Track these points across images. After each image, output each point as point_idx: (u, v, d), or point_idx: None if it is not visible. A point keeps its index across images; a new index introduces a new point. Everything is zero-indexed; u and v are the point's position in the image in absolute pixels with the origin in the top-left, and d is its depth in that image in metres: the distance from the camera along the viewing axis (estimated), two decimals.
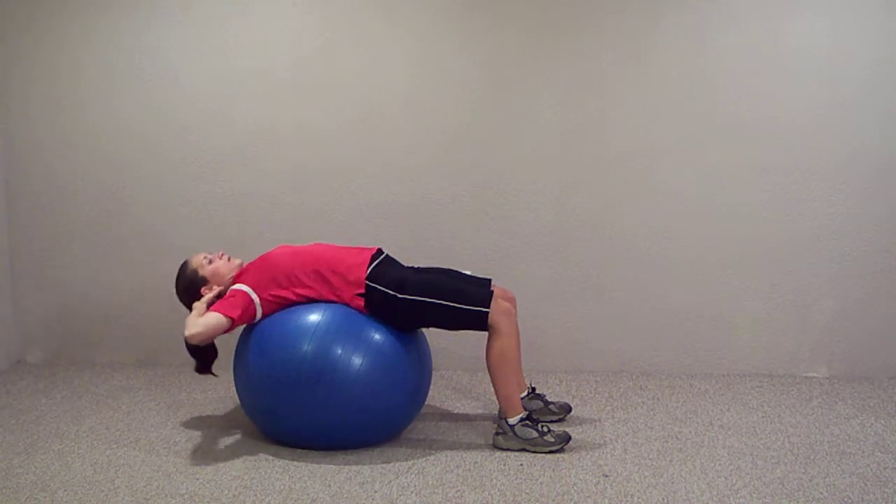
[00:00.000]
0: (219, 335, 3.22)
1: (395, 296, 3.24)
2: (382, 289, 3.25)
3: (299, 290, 3.28)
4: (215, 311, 3.21)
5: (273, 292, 3.28)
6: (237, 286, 3.30)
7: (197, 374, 3.43)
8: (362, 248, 3.41)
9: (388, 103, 4.12)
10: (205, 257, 3.43)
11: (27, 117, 4.24)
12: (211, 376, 3.44)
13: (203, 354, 3.35)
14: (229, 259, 3.46)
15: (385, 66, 4.11)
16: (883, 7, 3.89)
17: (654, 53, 4.01)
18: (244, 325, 3.31)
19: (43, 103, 4.22)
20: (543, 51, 4.04)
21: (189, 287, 3.41)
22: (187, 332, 3.16)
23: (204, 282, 3.39)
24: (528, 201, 4.14)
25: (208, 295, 3.34)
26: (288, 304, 3.29)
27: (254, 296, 3.26)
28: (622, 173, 4.09)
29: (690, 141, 4.05)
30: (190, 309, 3.35)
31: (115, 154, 4.24)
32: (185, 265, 3.45)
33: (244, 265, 3.44)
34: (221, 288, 3.36)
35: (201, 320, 3.18)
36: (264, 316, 3.29)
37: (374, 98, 4.12)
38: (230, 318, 3.19)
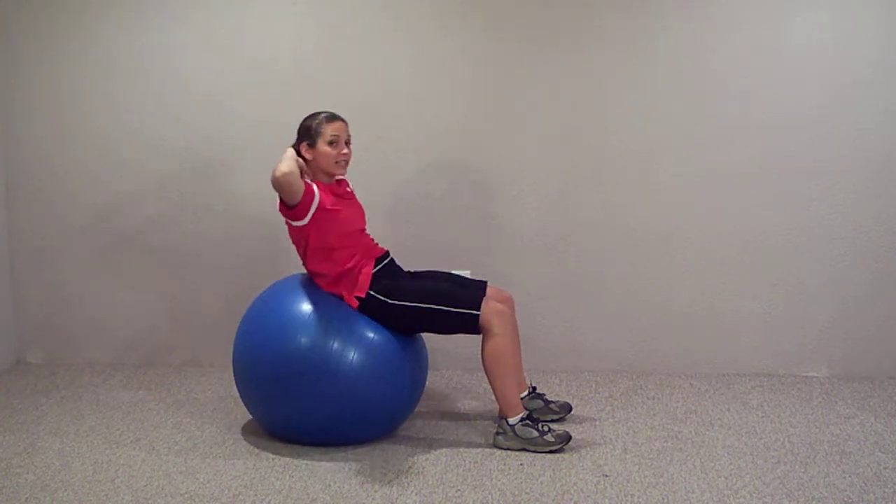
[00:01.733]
0: (287, 190, 3.13)
1: (386, 301, 3.27)
2: (374, 294, 3.28)
3: (318, 267, 3.29)
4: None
5: (313, 240, 3.25)
6: (318, 193, 3.23)
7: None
8: (375, 248, 3.44)
9: (388, 103, 4.12)
10: (333, 135, 3.30)
11: (29, 116, 4.24)
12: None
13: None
14: (339, 162, 3.33)
15: (385, 66, 4.11)
16: (884, 5, 3.89)
17: (654, 52, 4.00)
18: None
19: (45, 101, 4.22)
20: (544, 51, 4.03)
21: (303, 131, 3.33)
22: (282, 168, 3.10)
23: (311, 144, 3.30)
24: (528, 201, 4.14)
25: (299, 160, 3.24)
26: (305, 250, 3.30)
27: (307, 219, 3.21)
28: (622, 173, 4.09)
29: (690, 141, 4.04)
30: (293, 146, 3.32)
31: (117, 152, 4.23)
32: (326, 118, 3.33)
33: (339, 185, 3.41)
34: (307, 169, 3.29)
35: (297, 178, 3.13)
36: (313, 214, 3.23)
37: (374, 97, 4.12)
38: (299, 199, 3.16)
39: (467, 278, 3.52)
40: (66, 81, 4.20)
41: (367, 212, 4.12)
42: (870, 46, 3.92)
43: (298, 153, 3.31)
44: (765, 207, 4.05)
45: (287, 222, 3.30)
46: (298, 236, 3.30)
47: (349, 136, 3.38)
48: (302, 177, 3.23)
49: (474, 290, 3.35)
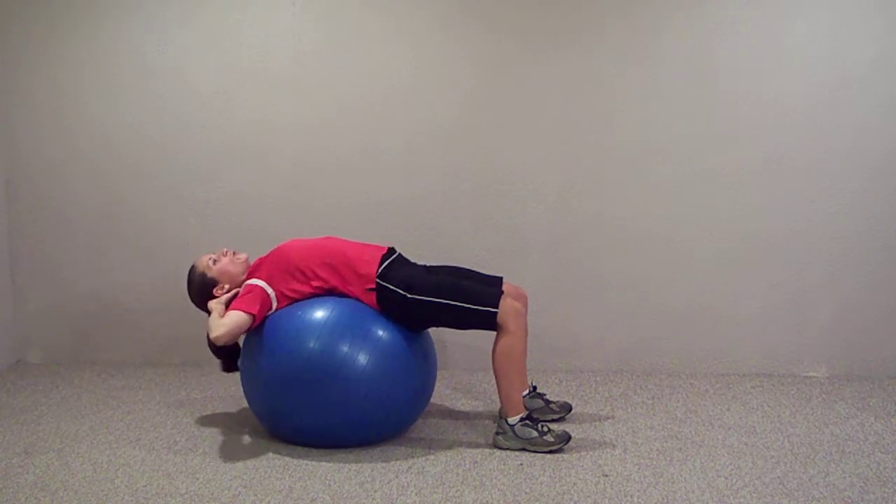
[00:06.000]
0: (243, 332, 3.25)
1: (405, 296, 3.25)
2: (393, 288, 3.27)
3: (315, 283, 3.31)
4: (235, 308, 3.23)
5: (290, 286, 3.31)
6: (252, 281, 3.32)
7: (225, 374, 3.50)
8: (375, 246, 3.43)
9: (388, 102, 4.12)
10: (209, 258, 3.45)
11: (30, 115, 4.24)
12: (238, 373, 3.44)
13: (228, 352, 3.38)
14: (234, 254, 3.48)
15: (384, 66, 4.11)
16: (882, 4, 3.89)
17: (654, 52, 4.01)
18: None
19: (46, 101, 4.22)
20: (544, 51, 4.03)
21: (201, 290, 3.44)
22: (213, 335, 3.19)
23: (214, 283, 3.42)
24: (528, 200, 4.14)
25: (224, 295, 3.37)
26: (304, 297, 3.31)
27: (269, 290, 3.29)
28: (622, 173, 4.09)
29: (690, 140, 4.05)
30: (206, 311, 3.38)
31: (118, 151, 4.24)
32: (192, 270, 3.48)
33: (250, 260, 3.47)
34: (237, 289, 3.38)
35: (224, 321, 3.21)
36: (278, 308, 3.31)
37: (374, 97, 4.12)
38: (251, 314, 3.22)
39: (484, 274, 3.51)
40: (67, 81, 4.20)
41: (366, 212, 4.16)
42: (868, 46, 3.92)
43: (213, 297, 3.42)
44: (765, 207, 4.05)
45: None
46: (289, 301, 3.32)
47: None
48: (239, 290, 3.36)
49: (493, 287, 3.35)
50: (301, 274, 3.31)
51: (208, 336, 3.23)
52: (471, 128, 4.11)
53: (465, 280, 3.37)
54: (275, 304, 3.30)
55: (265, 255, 3.44)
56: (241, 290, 3.35)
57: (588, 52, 4.02)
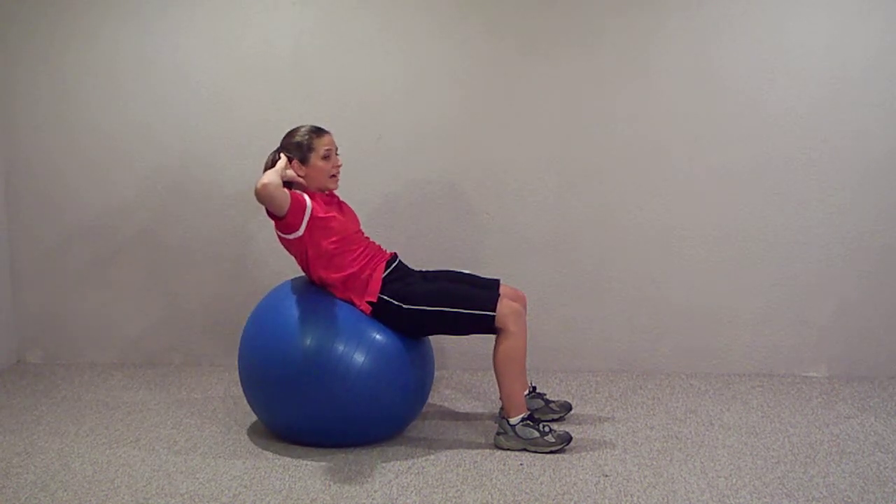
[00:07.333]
0: (270, 203, 3.11)
1: (401, 307, 3.25)
2: (388, 299, 3.27)
3: (323, 274, 3.27)
4: (290, 192, 3.15)
5: (307, 245, 3.23)
6: (308, 203, 3.20)
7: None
8: (383, 254, 3.42)
9: (388, 103, 4.12)
10: (327, 149, 3.30)
11: (30, 115, 4.24)
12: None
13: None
14: (336, 175, 3.35)
15: (384, 66, 4.10)
16: (882, 4, 3.89)
17: (654, 52, 4.01)
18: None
19: (47, 100, 4.22)
20: (544, 51, 4.03)
21: (291, 149, 3.30)
22: (262, 181, 3.07)
23: (303, 160, 3.28)
24: (528, 201, 4.14)
25: (293, 174, 3.26)
26: (301, 267, 3.31)
27: (302, 229, 3.19)
28: (622, 173, 4.09)
29: (689, 140, 4.05)
30: (278, 154, 3.31)
31: (118, 151, 4.23)
32: (314, 133, 3.32)
33: (327, 194, 3.38)
34: (301, 181, 3.28)
35: (279, 190, 3.09)
36: (286, 238, 3.25)
37: (374, 97, 4.12)
38: (286, 209, 3.14)
39: (481, 277, 3.49)
40: (68, 80, 4.20)
41: (366, 212, 4.15)
42: (868, 46, 3.92)
43: (287, 157, 3.31)
44: (765, 207, 4.05)
45: (280, 237, 3.28)
46: (296, 248, 3.28)
47: (336, 146, 3.39)
48: (291, 189, 3.23)
49: (489, 290, 3.34)
50: (328, 259, 3.25)
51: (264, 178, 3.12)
52: (471, 128, 4.11)
53: (460, 285, 3.36)
54: (295, 235, 3.20)
55: (329, 199, 3.35)
56: (301, 187, 3.25)
57: (587, 52, 4.02)
